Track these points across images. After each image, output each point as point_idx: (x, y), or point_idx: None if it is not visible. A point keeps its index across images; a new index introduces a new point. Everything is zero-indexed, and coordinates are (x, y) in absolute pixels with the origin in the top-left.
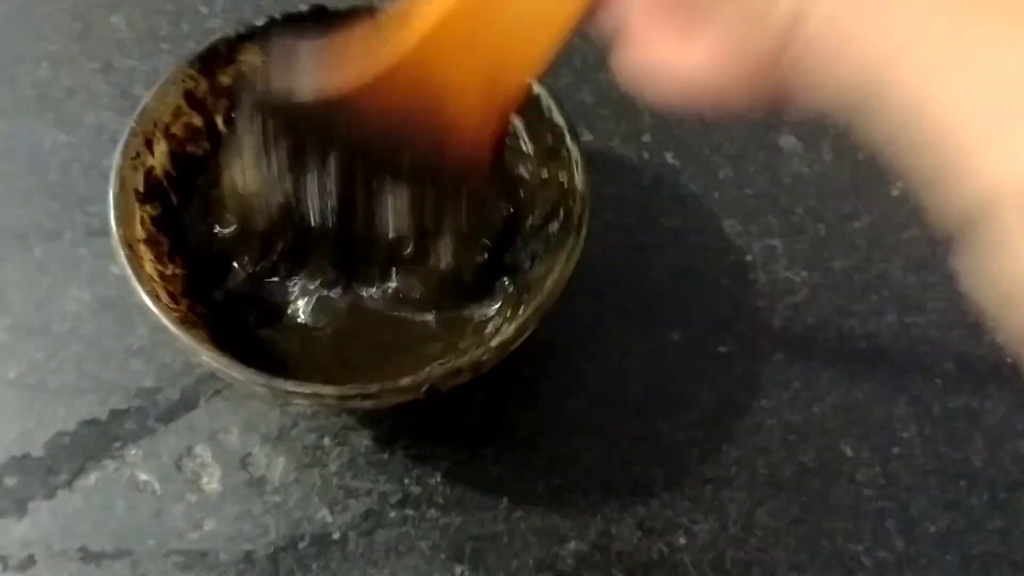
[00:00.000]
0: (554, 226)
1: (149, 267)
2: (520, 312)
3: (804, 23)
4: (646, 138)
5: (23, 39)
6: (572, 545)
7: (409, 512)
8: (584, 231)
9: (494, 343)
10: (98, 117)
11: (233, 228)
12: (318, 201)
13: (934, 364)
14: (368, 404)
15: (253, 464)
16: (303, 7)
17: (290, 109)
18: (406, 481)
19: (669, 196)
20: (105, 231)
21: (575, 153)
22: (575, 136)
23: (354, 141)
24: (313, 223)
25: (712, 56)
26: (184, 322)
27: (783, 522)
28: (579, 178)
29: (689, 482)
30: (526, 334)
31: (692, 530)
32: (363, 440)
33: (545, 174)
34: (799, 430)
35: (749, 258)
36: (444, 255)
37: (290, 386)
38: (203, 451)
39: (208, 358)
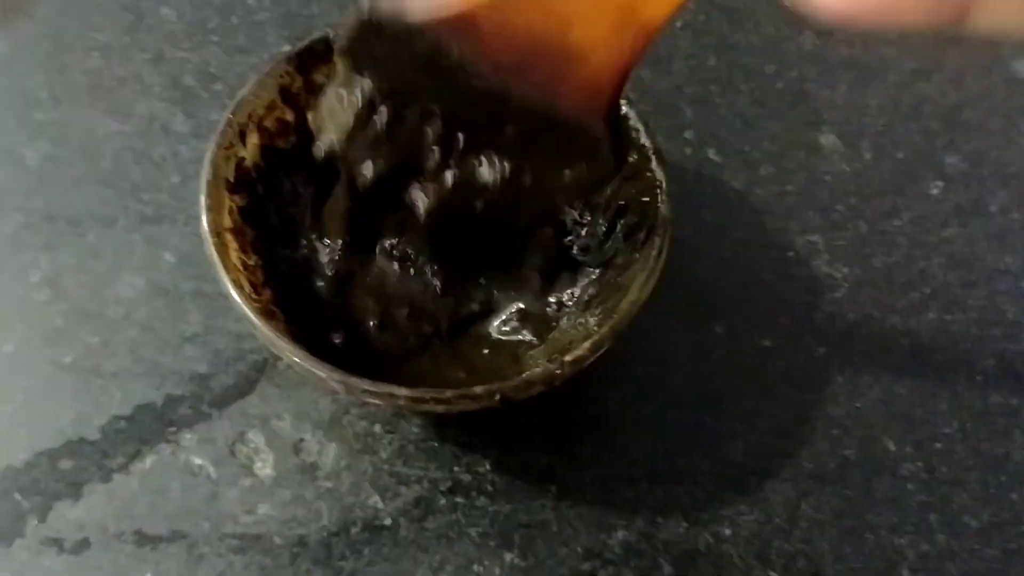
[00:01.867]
0: (632, 242)
1: (234, 256)
2: (595, 328)
3: None
4: (688, 134)
5: (74, 29)
6: (620, 534)
7: (459, 500)
8: (664, 256)
9: (568, 358)
10: (149, 107)
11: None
12: (410, 154)
13: (974, 361)
14: (440, 408)
15: (305, 450)
16: None
17: (394, 30)
18: (456, 469)
19: (711, 192)
20: (158, 219)
21: (660, 176)
22: (661, 160)
23: (463, 73)
24: (409, 188)
25: None
26: (264, 313)
27: (827, 514)
28: (663, 202)
29: (734, 474)
30: (600, 351)
31: (737, 521)
32: (413, 428)
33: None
34: (842, 424)
35: (791, 254)
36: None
37: (366, 385)
38: (256, 437)
39: (287, 351)
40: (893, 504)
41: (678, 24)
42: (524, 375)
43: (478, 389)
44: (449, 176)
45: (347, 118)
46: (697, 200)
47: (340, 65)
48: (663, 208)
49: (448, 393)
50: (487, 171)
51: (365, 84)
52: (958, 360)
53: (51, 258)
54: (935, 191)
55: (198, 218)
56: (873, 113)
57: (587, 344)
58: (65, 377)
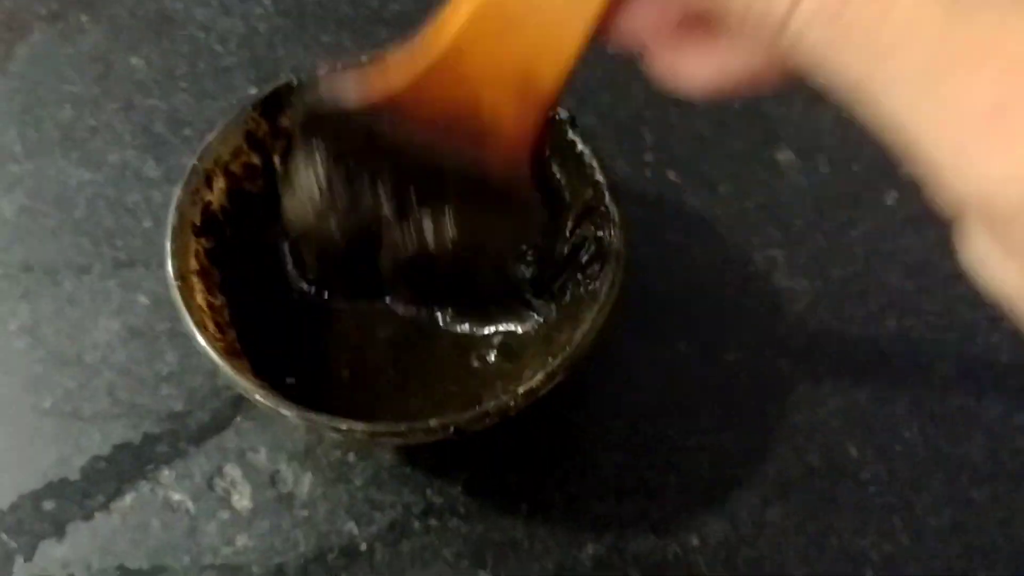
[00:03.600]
0: (589, 275)
1: (200, 298)
2: (548, 360)
3: (792, 24)
4: (648, 157)
5: (46, 82)
6: (590, 549)
7: (432, 522)
8: (617, 289)
9: (521, 390)
10: (121, 155)
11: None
12: (368, 214)
13: (933, 365)
14: (397, 441)
15: (281, 481)
16: (364, 58)
17: (337, 116)
18: (428, 492)
19: (672, 212)
20: (132, 263)
21: (614, 211)
22: (615, 196)
23: (399, 147)
24: (361, 237)
25: (729, 58)
26: (229, 352)
27: (792, 521)
28: (616, 237)
29: (700, 485)
30: (553, 383)
31: (704, 531)
32: (386, 455)
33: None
34: (805, 432)
35: (751, 269)
36: (489, 265)
37: (325, 420)
38: (233, 470)
39: (249, 389)
40: (856, 508)
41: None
42: (478, 408)
43: (432, 422)
44: (406, 234)
45: (309, 187)
46: (659, 221)
47: (296, 145)
48: (616, 242)
49: (403, 426)
50: (436, 228)
51: (320, 158)
52: (917, 365)
53: (29, 307)
54: (890, 201)
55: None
56: (828, 128)
57: (540, 376)
58: (45, 421)
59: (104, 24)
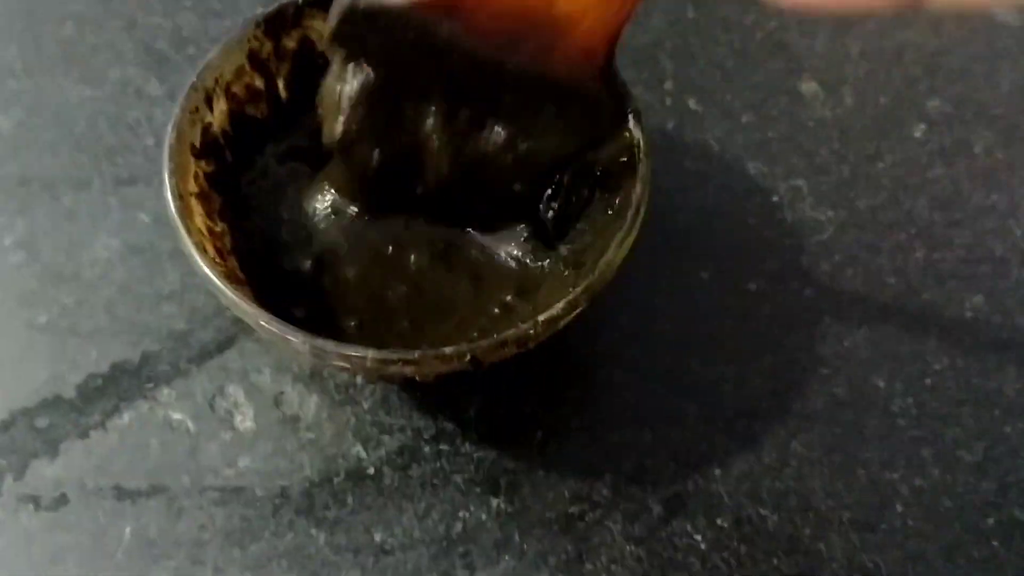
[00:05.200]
0: (610, 202)
1: (199, 221)
2: (570, 288)
3: None
4: (668, 85)
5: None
6: (607, 478)
7: (443, 447)
8: (641, 216)
9: (542, 318)
10: (123, 72)
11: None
12: (411, 128)
13: (963, 298)
14: (409, 370)
15: (286, 403)
16: None
17: (382, 13)
18: (439, 417)
19: (693, 141)
20: (133, 180)
21: (638, 136)
22: (639, 119)
23: (452, 48)
24: (402, 153)
25: None
26: (229, 278)
27: (818, 452)
28: (641, 163)
29: (722, 416)
30: (575, 312)
31: (727, 462)
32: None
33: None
34: (831, 363)
35: (775, 199)
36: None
37: (332, 347)
38: (236, 391)
39: (251, 315)
40: (884, 440)
41: None
42: (496, 336)
43: (448, 350)
44: (451, 150)
45: (345, 108)
46: (679, 149)
47: (331, 56)
48: (641, 168)
49: (417, 354)
50: (487, 141)
51: (359, 72)
52: (946, 298)
53: (26, 221)
54: (918, 134)
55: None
56: (854, 60)
57: (561, 304)
58: (40, 337)
59: None
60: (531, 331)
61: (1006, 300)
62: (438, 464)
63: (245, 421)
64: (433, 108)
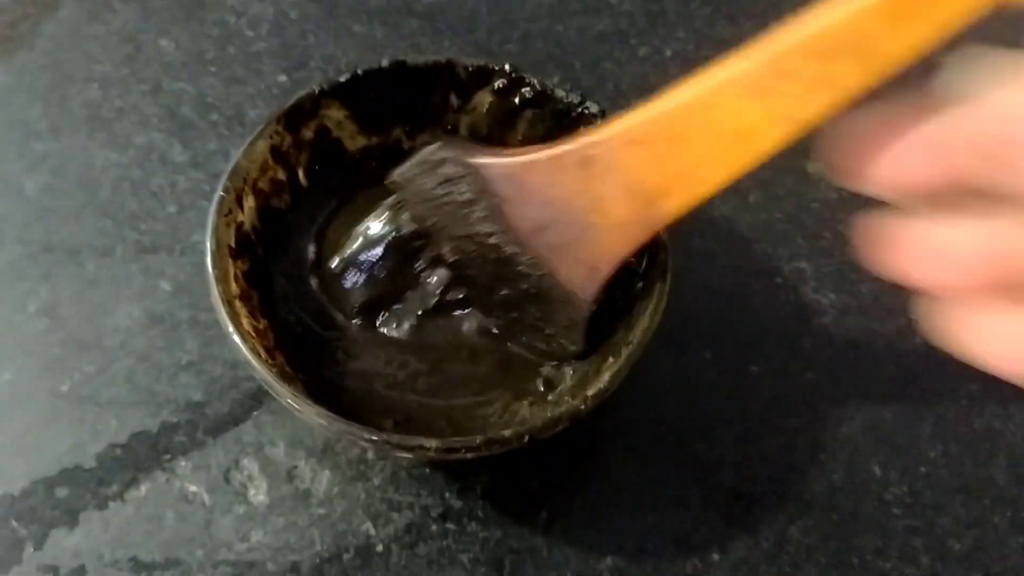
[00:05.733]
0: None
1: (246, 323)
2: (608, 362)
3: None
4: None
5: (74, 61)
6: (609, 560)
7: (450, 526)
8: (669, 279)
9: (591, 392)
10: (148, 137)
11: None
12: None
13: (959, 386)
14: (471, 455)
15: (299, 477)
16: (384, 62)
17: (451, 172)
18: (447, 495)
19: (700, 220)
20: (155, 248)
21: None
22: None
23: (491, 226)
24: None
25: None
26: (283, 376)
27: (814, 538)
28: (664, 252)
29: (722, 499)
30: (619, 381)
31: (725, 546)
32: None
33: None
34: (828, 449)
35: (779, 280)
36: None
37: (396, 439)
38: (250, 464)
39: (317, 417)
40: (879, 528)
41: (667, 53)
42: (550, 414)
43: (507, 433)
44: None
45: (373, 243)
46: (686, 227)
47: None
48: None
49: (478, 440)
50: (466, 323)
51: (398, 217)
52: (943, 385)
53: (49, 288)
54: None
55: (194, 248)
56: None
57: (606, 376)
58: (62, 405)
59: (134, 4)
60: (581, 406)
61: (1001, 388)
62: (444, 543)
63: (259, 495)
64: (438, 274)
